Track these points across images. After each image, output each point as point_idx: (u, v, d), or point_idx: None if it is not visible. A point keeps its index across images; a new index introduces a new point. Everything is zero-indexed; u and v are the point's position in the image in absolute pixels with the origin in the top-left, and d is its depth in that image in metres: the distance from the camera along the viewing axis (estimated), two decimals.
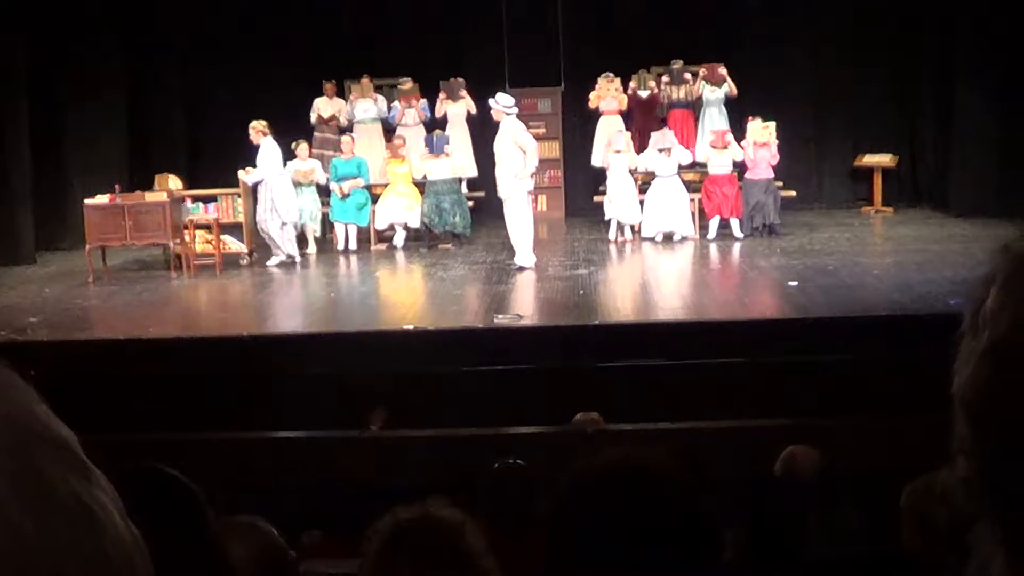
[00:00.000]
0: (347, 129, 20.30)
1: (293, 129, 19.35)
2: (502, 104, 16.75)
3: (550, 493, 2.13)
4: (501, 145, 16.61)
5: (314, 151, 19.20)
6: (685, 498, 2.01)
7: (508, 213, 16.76)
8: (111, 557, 0.76)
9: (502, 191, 16.76)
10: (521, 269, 16.42)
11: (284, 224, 17.66)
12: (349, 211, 18.49)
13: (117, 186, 17.69)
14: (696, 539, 2.00)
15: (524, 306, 14.02)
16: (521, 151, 16.34)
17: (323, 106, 20.46)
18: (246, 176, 17.65)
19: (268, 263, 17.59)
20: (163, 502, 2.89)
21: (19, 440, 0.75)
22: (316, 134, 20.03)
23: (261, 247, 18.04)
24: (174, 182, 18.28)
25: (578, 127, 21.65)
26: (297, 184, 18.30)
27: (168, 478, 3.14)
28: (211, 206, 17.73)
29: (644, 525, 1.98)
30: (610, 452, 2.12)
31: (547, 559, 2.11)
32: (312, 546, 5.80)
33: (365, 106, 20.56)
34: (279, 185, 17.59)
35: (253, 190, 17.84)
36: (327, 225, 18.92)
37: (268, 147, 17.57)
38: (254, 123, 17.70)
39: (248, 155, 20.24)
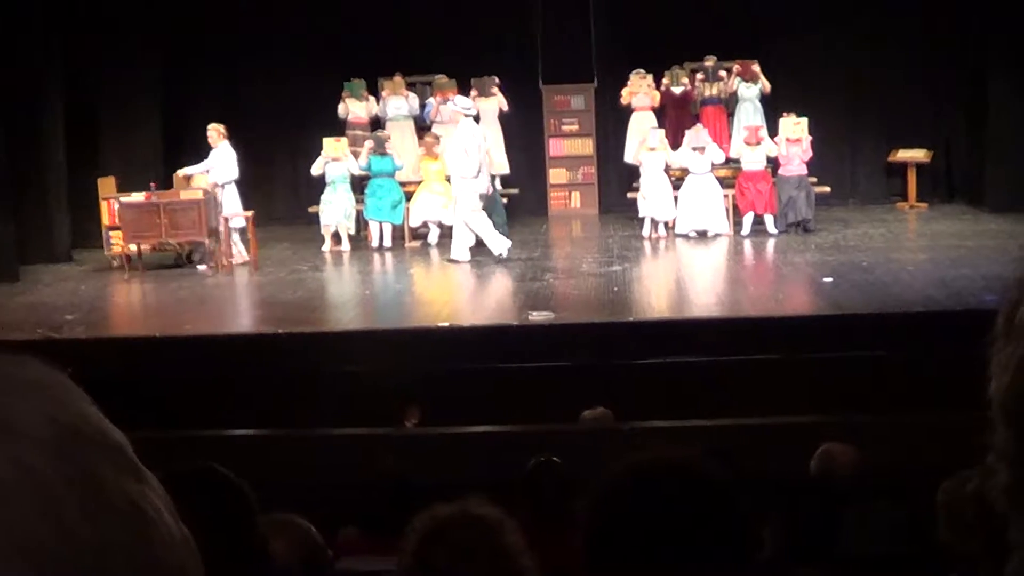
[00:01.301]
0: (379, 126, 20.36)
1: (325, 127, 19.38)
2: (461, 106, 17.41)
3: (588, 491, 2.14)
4: (453, 146, 17.21)
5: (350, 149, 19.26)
6: (723, 496, 2.02)
7: (460, 212, 17.18)
8: (162, 558, 0.78)
9: (453, 190, 17.31)
10: (500, 259, 16.92)
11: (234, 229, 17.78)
12: (383, 209, 18.52)
13: (153, 184, 17.81)
14: (734, 537, 2.00)
15: (558, 303, 14.03)
16: (465, 152, 16.87)
17: (353, 105, 20.45)
18: (205, 175, 17.66)
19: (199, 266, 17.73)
20: (215, 500, 2.92)
21: (73, 443, 0.77)
22: (347, 132, 20.03)
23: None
24: (204, 180, 18.37)
25: (611, 124, 21.61)
26: (331, 182, 18.37)
27: (221, 477, 3.17)
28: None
29: (682, 523, 1.99)
30: (648, 451, 2.13)
31: (585, 557, 2.12)
32: (348, 543, 5.81)
33: (397, 103, 20.58)
34: (228, 190, 17.69)
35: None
36: (361, 223, 18.94)
37: (226, 150, 17.65)
38: (215, 125, 17.77)
39: (282, 151, 20.31)
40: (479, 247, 17.22)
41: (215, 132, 17.72)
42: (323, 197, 18.48)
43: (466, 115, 17.23)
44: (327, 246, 18.50)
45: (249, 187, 21.02)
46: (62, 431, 0.77)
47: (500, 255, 16.89)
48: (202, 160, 17.96)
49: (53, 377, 0.82)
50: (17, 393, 0.78)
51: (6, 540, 0.71)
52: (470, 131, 17.12)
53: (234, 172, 17.70)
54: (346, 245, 18.47)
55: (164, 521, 0.80)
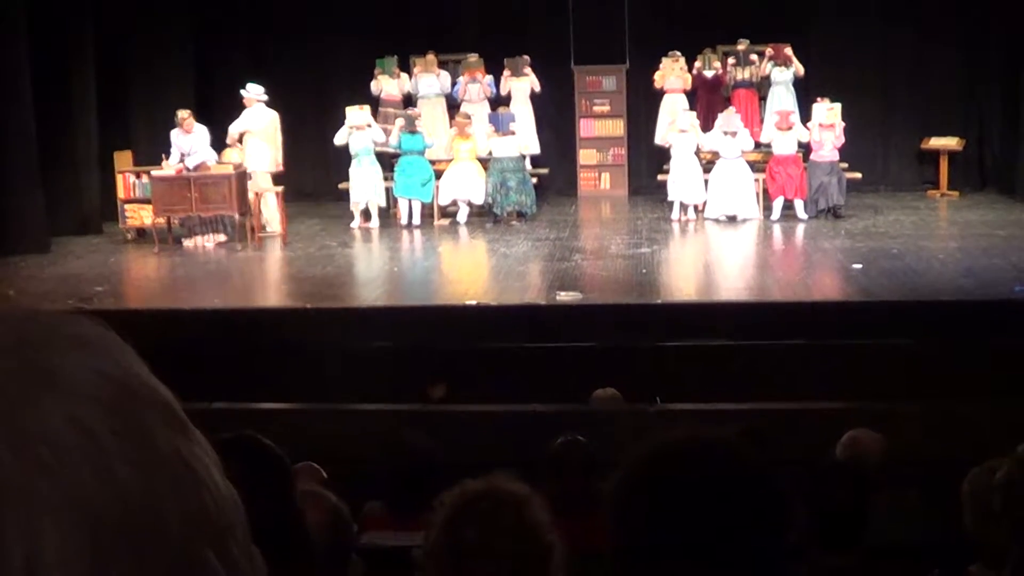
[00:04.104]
0: (410, 104, 20.37)
1: (356, 103, 19.35)
2: (253, 93, 18.22)
3: (617, 469, 2.14)
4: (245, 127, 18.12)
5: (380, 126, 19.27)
6: (757, 477, 2.01)
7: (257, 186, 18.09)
8: (211, 514, 0.79)
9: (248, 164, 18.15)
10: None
11: None
12: (413, 187, 18.51)
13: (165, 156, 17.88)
14: (767, 519, 2.00)
15: (586, 284, 14.03)
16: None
17: (386, 83, 20.47)
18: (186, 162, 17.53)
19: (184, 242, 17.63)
20: (256, 467, 2.95)
21: (123, 399, 0.78)
22: (380, 109, 20.04)
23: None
24: (239, 155, 18.40)
25: (642, 105, 21.58)
26: (355, 154, 18.37)
27: (261, 445, 3.21)
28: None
29: (714, 504, 1.99)
30: (680, 430, 2.13)
31: (613, 535, 2.11)
32: (373, 518, 5.83)
33: (429, 81, 20.58)
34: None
35: None
36: (391, 200, 18.97)
37: (203, 132, 17.60)
38: (183, 112, 17.64)
39: (313, 127, 20.34)
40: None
41: (183, 121, 17.53)
42: (350, 172, 18.50)
43: (259, 101, 18.19)
44: (356, 223, 18.52)
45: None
46: (112, 387, 0.78)
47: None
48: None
49: (102, 334, 0.83)
50: (68, 350, 0.79)
51: (60, 495, 0.72)
52: (254, 115, 18.08)
53: (207, 154, 17.67)
54: (375, 221, 18.46)
55: (213, 479, 0.81)
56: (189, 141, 17.30)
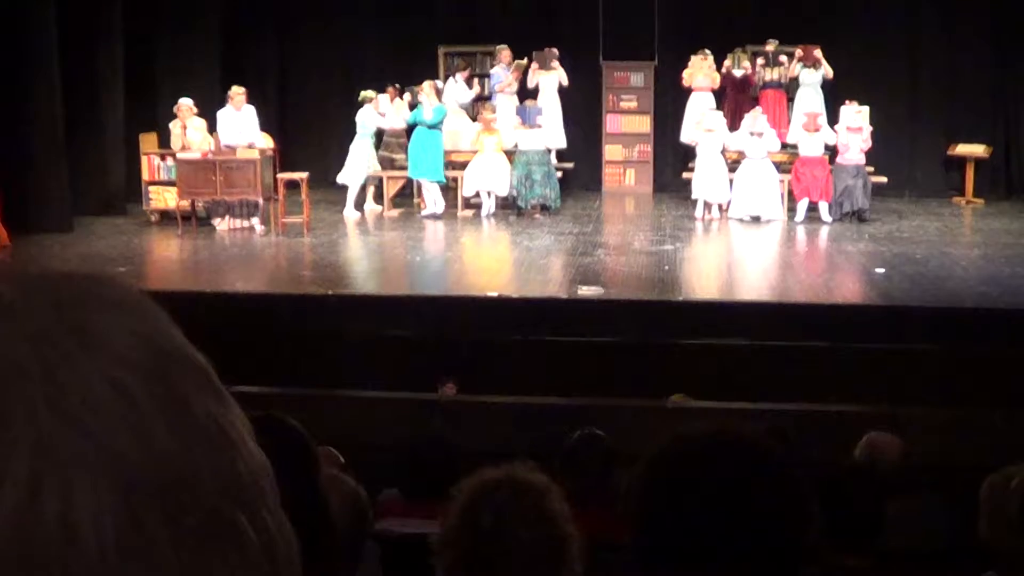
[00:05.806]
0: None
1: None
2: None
3: (639, 463, 2.13)
4: None
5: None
6: (778, 474, 2.01)
7: None
8: (244, 480, 0.79)
9: None
10: None
11: None
12: (424, 167, 18.28)
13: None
14: (787, 517, 1.99)
15: (608, 279, 14.02)
16: None
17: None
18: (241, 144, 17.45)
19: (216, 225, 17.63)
20: (284, 447, 2.95)
21: (160, 363, 0.78)
22: (384, 139, 19.90)
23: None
24: (266, 141, 18.41)
25: (669, 103, 21.55)
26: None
27: (289, 426, 3.21)
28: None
29: (734, 500, 1.98)
30: (702, 425, 2.12)
31: (632, 529, 2.11)
32: (389, 505, 5.84)
33: (463, 90, 20.51)
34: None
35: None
36: (415, 189, 18.98)
37: (252, 114, 17.63)
38: (237, 88, 17.67)
39: (339, 114, 20.30)
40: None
41: (240, 96, 17.67)
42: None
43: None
44: (348, 210, 18.59)
45: (305, 149, 21.13)
46: (149, 350, 0.78)
47: None
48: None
49: (139, 298, 0.83)
50: (105, 311, 0.79)
51: (95, 454, 0.72)
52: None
53: (256, 135, 17.70)
54: (348, 209, 18.52)
55: (247, 445, 0.81)
56: (240, 120, 17.36)
